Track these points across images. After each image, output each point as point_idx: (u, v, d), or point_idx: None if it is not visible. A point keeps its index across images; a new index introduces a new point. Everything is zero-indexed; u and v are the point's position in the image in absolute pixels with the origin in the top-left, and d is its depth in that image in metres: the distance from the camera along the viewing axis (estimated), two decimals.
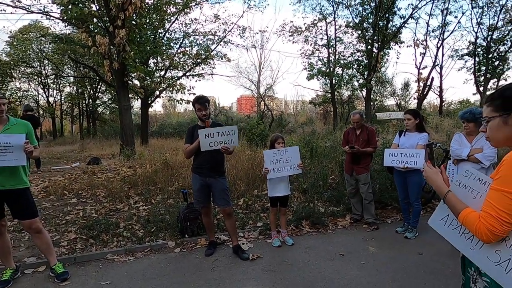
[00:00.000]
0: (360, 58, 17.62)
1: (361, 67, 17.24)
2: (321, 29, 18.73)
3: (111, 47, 8.54)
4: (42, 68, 21.39)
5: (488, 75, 18.72)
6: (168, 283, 2.78)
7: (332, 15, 17.85)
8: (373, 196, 4.07)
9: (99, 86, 21.79)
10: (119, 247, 3.48)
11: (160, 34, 14.28)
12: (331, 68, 17.66)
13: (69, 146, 15.51)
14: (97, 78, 16.10)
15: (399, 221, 4.15)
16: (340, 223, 4.12)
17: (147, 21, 11.77)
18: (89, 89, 21.96)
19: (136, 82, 11.78)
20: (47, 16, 10.06)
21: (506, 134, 1.11)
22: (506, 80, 18.75)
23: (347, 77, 18.14)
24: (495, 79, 19.08)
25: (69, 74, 21.32)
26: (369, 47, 16.24)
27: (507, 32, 17.70)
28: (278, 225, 3.71)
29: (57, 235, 3.76)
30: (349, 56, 18.30)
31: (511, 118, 1.08)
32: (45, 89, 22.97)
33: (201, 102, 3.12)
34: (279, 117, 20.22)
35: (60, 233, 3.83)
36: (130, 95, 11.29)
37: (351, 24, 17.13)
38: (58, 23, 11.84)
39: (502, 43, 18.10)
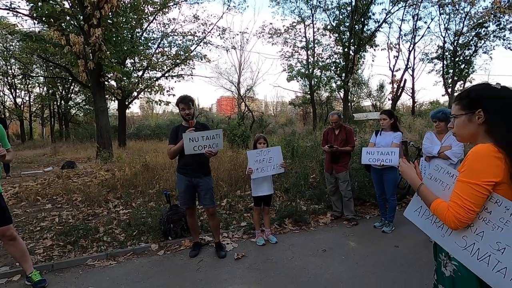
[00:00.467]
0: (338, 60, 18.16)
1: (338, 69, 17.77)
2: (300, 32, 19.13)
3: (86, 46, 8.23)
4: (8, 67, 20.13)
5: (456, 78, 19.98)
6: (153, 286, 2.75)
7: (310, 18, 18.29)
8: (352, 194, 4.23)
9: (72, 87, 20.85)
10: (99, 252, 3.38)
11: (138, 34, 13.95)
12: (310, 70, 18.05)
13: (40, 150, 14.74)
14: (70, 78, 15.42)
15: (377, 216, 4.34)
16: (321, 220, 4.24)
17: (124, 20, 11.46)
18: (61, 90, 20.91)
19: (113, 82, 11.43)
20: (14, 13, 9.54)
21: (470, 130, 1.23)
22: (471, 82, 20.06)
23: (325, 78, 18.62)
24: (462, 81, 20.38)
25: (39, 74, 20.19)
26: (346, 49, 16.78)
27: (471, 38, 18.96)
28: (261, 224, 3.76)
29: (31, 242, 3.58)
30: (327, 58, 18.83)
31: (475, 116, 1.20)
32: (12, 90, 21.65)
33: (185, 101, 3.12)
34: (260, 118, 20.31)
35: (34, 240, 3.65)
36: (106, 96, 10.91)
37: (328, 27, 17.62)
38: (26, 20, 11.27)
39: (467, 48, 19.38)
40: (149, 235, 3.76)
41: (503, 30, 17.71)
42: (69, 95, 21.40)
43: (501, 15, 17.01)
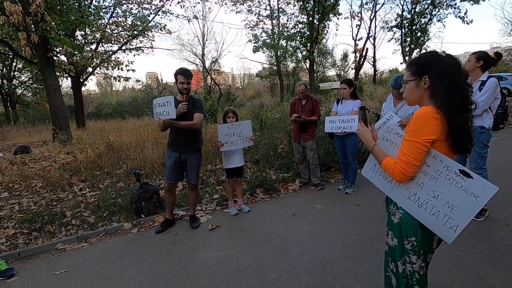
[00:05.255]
0: (303, 30, 18.05)
1: (304, 39, 17.72)
2: None
3: (26, 16, 7.30)
4: None
5: (412, 46, 20.93)
6: (129, 262, 2.79)
7: None
8: (318, 161, 4.47)
9: (14, 64, 18.60)
10: (69, 236, 3.31)
11: (86, 2, 12.57)
12: (276, 40, 17.80)
13: None
14: (11, 53, 13.71)
15: (341, 180, 4.66)
16: (290, 188, 4.47)
17: None
18: (1, 67, 18.58)
19: (63, 58, 10.40)
20: None
21: (418, 95, 1.35)
22: (426, 50, 21.12)
23: (291, 49, 18.53)
24: (418, 49, 21.42)
25: None
26: (310, 18, 16.66)
27: (426, 6, 19.72)
28: (234, 195, 3.88)
29: None
30: (292, 28, 18.61)
31: (422, 82, 1.32)
32: None
33: (186, 74, 3.05)
34: (227, 92, 19.98)
35: None
36: (57, 73, 9.95)
37: None
38: None
39: (423, 16, 20.18)
40: (120, 215, 3.73)
41: None
42: (12, 73, 19.11)
43: None
